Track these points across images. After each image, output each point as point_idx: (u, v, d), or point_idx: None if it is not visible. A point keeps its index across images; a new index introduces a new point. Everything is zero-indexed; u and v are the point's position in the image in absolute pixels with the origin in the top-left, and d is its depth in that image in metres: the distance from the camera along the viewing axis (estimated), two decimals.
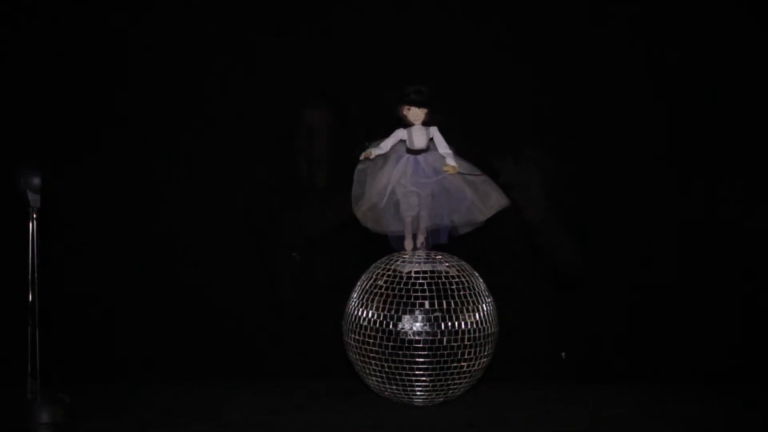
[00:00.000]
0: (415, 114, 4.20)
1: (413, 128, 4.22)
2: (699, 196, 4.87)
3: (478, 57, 4.93)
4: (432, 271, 4.09)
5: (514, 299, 4.71)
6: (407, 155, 4.23)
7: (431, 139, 4.22)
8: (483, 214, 4.22)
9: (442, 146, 4.20)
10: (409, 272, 4.09)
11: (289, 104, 4.96)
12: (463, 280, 4.13)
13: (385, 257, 4.25)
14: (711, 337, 4.81)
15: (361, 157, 4.20)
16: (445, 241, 4.26)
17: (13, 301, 4.14)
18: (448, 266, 4.16)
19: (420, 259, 4.17)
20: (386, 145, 4.22)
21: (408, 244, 4.25)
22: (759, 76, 4.83)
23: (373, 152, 4.20)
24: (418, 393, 4.09)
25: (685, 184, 4.89)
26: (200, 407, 4.20)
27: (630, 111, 4.90)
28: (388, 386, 4.11)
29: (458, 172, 4.15)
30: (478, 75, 4.92)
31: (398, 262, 4.17)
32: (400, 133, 4.24)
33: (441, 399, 4.16)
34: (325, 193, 4.97)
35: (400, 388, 4.08)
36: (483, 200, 4.21)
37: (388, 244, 4.31)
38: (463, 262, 4.24)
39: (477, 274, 4.25)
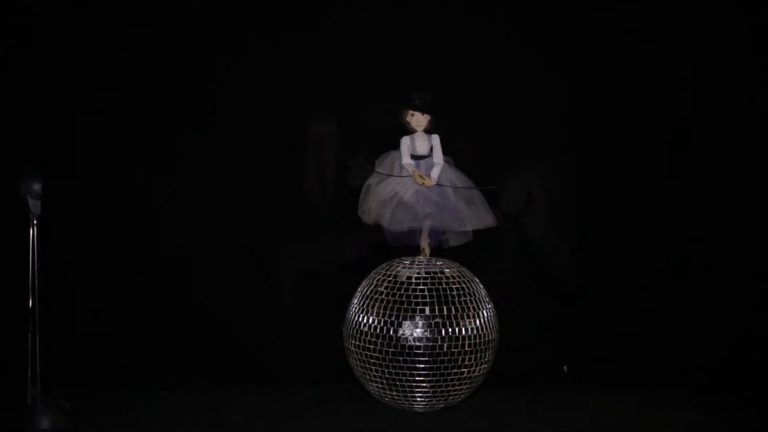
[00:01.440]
0: (418, 120, 4.26)
1: (416, 135, 4.29)
2: (701, 201, 4.86)
3: (479, 58, 4.91)
4: (432, 276, 4.09)
5: (514, 305, 4.70)
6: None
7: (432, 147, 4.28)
8: (470, 225, 4.24)
9: (437, 156, 4.28)
10: (410, 278, 4.09)
11: (291, 113, 4.93)
12: (464, 286, 4.13)
13: (385, 263, 4.26)
14: (713, 343, 4.80)
15: (426, 184, 4.20)
16: (434, 245, 4.29)
17: (14, 306, 4.14)
18: (449, 271, 4.15)
19: (420, 265, 4.18)
20: (407, 157, 4.27)
21: (425, 240, 4.26)
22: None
23: (417, 172, 4.23)
24: (418, 399, 4.09)
25: (687, 189, 4.88)
26: (201, 413, 4.20)
27: (635, 113, 4.88)
28: (388, 392, 4.12)
29: (438, 184, 4.21)
30: (480, 77, 4.91)
31: (398, 268, 4.17)
32: (406, 141, 4.30)
33: (441, 405, 4.16)
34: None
35: (401, 394, 4.08)
36: (473, 214, 4.24)
37: (386, 245, 4.32)
38: (464, 269, 4.24)
39: (477, 281, 4.25)
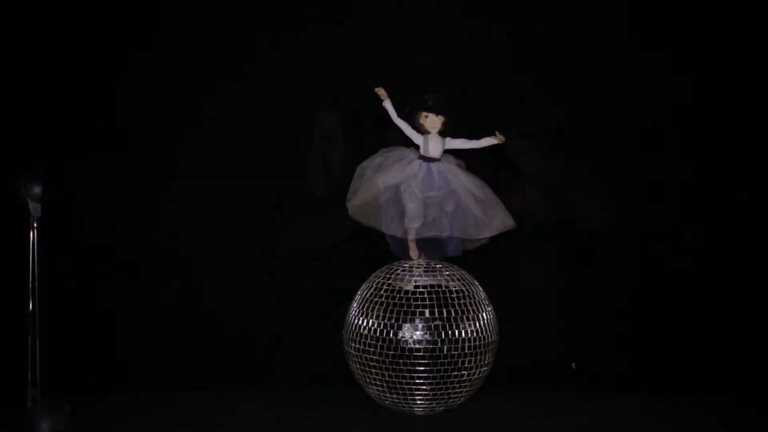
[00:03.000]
0: (432, 122, 4.19)
1: (430, 136, 4.20)
2: (702, 203, 4.85)
3: (483, 57, 4.90)
4: (433, 285, 4.09)
5: (514, 308, 4.69)
6: (420, 161, 4.21)
7: (445, 151, 4.22)
8: (487, 232, 4.20)
9: (467, 142, 4.23)
10: (416, 285, 4.08)
11: (295, 112, 4.92)
12: (463, 289, 4.12)
13: (385, 267, 4.25)
14: (714, 347, 4.78)
15: (379, 91, 4.14)
16: (458, 253, 4.24)
17: (14, 310, 4.14)
18: (450, 280, 4.14)
19: (420, 269, 4.17)
20: (400, 121, 4.19)
21: (414, 253, 4.23)
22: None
23: (387, 101, 4.17)
24: (418, 402, 4.09)
25: (687, 190, 4.87)
26: (201, 417, 4.19)
27: (634, 108, 4.86)
28: (388, 395, 4.11)
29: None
30: (483, 76, 4.90)
31: (398, 272, 4.17)
32: (417, 136, 4.21)
33: (441, 408, 4.16)
34: (326, 206, 4.93)
35: (401, 397, 4.08)
36: (489, 218, 4.19)
37: (388, 251, 4.30)
38: (463, 271, 4.24)
39: (477, 283, 4.24)
